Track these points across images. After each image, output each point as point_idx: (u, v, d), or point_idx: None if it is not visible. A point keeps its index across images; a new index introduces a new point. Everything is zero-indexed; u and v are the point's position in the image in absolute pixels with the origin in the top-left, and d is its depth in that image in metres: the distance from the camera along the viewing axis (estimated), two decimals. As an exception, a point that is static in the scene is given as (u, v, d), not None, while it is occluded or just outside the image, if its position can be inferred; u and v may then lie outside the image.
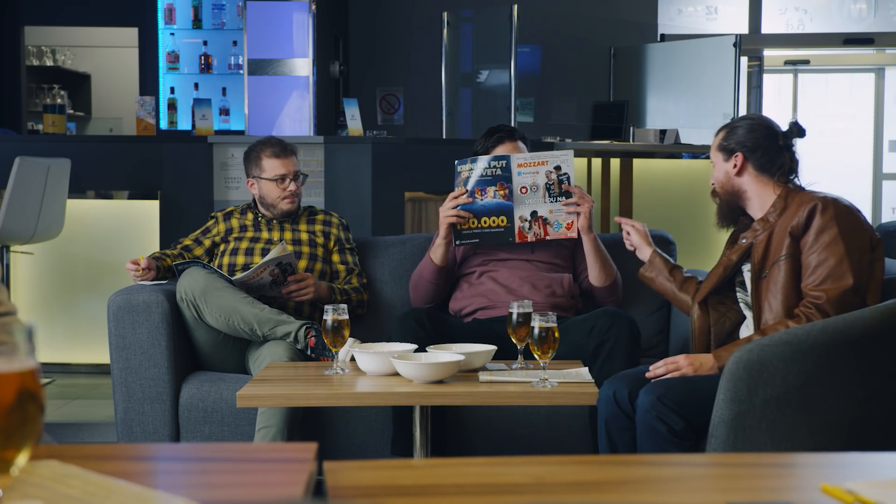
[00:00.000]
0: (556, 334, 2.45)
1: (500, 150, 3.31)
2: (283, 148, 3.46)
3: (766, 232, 2.64)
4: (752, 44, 7.91)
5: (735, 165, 2.73)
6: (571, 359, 2.86)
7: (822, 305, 2.49)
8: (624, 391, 2.58)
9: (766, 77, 8.07)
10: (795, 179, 2.73)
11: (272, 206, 3.47)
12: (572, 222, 3.22)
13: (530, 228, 3.23)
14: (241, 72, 6.36)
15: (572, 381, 2.51)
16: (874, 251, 2.54)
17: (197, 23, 7.02)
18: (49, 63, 9.03)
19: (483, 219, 3.23)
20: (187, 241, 3.49)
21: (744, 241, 2.72)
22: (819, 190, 2.69)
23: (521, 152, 3.34)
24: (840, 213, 2.54)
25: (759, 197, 2.71)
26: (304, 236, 3.47)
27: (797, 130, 2.77)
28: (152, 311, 3.09)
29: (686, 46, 7.10)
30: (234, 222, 3.52)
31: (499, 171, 3.21)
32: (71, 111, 8.84)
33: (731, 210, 2.78)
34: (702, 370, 2.60)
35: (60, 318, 5.11)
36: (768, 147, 2.71)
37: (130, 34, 7.80)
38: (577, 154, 5.30)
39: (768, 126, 2.77)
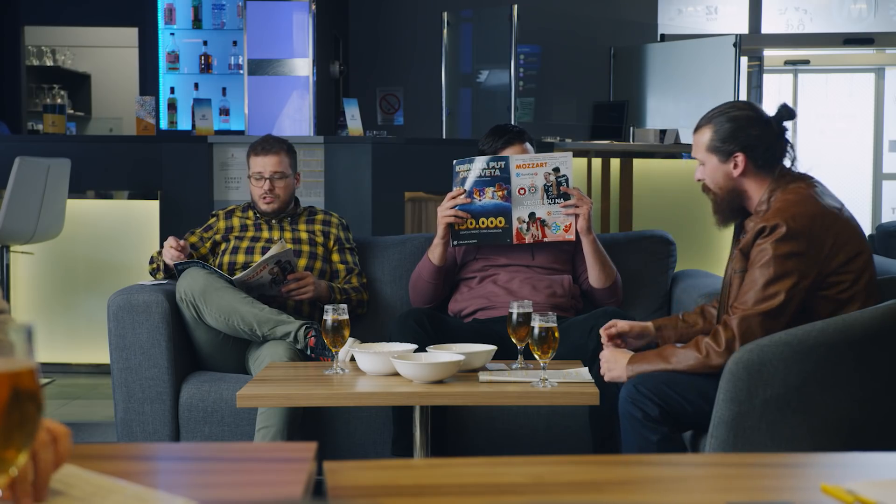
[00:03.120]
0: (556, 334, 2.44)
1: (508, 152, 3.31)
2: (264, 147, 3.45)
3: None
4: (752, 44, 7.91)
5: (736, 166, 2.59)
6: (571, 359, 2.86)
7: (729, 322, 2.45)
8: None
9: (766, 77, 8.07)
10: (791, 165, 2.61)
11: (256, 205, 3.48)
12: (570, 224, 3.22)
13: (528, 230, 3.23)
14: (241, 72, 6.35)
15: (572, 381, 2.50)
16: (854, 260, 2.46)
17: (197, 23, 7.01)
18: (49, 63, 9.02)
19: (481, 219, 3.23)
20: (193, 239, 3.49)
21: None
22: (806, 183, 2.55)
23: (529, 154, 3.33)
24: (789, 236, 2.43)
25: (760, 193, 2.60)
26: (304, 236, 3.47)
27: (787, 113, 2.62)
28: (152, 311, 3.09)
29: (686, 46, 7.10)
30: (236, 221, 3.52)
31: (497, 172, 3.21)
32: (71, 111, 8.84)
33: (734, 209, 2.66)
34: (611, 372, 2.62)
35: (60, 318, 5.11)
36: (767, 141, 2.59)
37: (130, 34, 7.80)
38: (577, 154, 5.30)
39: (758, 115, 2.63)
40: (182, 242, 3.27)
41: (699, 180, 2.70)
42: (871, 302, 2.48)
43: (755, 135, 2.59)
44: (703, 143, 2.66)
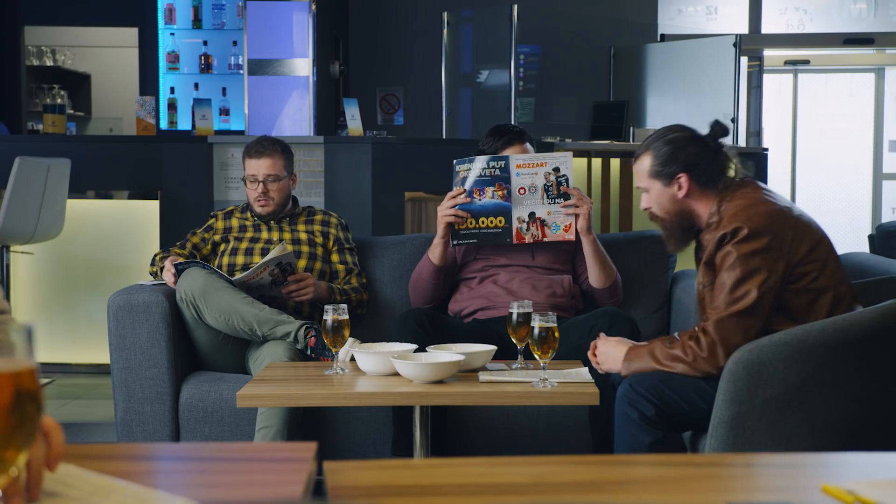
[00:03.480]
0: (556, 334, 2.44)
1: (508, 152, 3.31)
2: (257, 149, 3.43)
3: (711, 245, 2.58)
4: (752, 44, 7.91)
5: (680, 188, 2.62)
6: (571, 359, 2.86)
7: (707, 327, 2.46)
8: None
9: (766, 77, 8.07)
10: (735, 176, 2.63)
11: (251, 207, 3.48)
12: (570, 224, 3.22)
13: (528, 230, 3.22)
14: (241, 72, 6.36)
15: (572, 381, 2.50)
16: (817, 249, 2.48)
17: (197, 23, 7.02)
18: (49, 63, 9.02)
19: (481, 219, 3.23)
20: (195, 240, 3.49)
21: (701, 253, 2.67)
22: (751, 187, 2.57)
23: (529, 153, 3.34)
24: (750, 235, 2.45)
25: (708, 209, 2.62)
26: (303, 236, 3.47)
27: (720, 130, 2.66)
28: (152, 311, 3.09)
29: (686, 46, 7.11)
30: (235, 221, 3.52)
31: (497, 172, 3.21)
32: (71, 111, 8.84)
33: (685, 231, 2.69)
34: (605, 364, 2.63)
35: (60, 318, 5.11)
36: (706, 157, 2.62)
37: (130, 34, 7.80)
38: (577, 154, 5.29)
39: (694, 135, 2.66)
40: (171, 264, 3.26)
41: (646, 209, 2.72)
42: (844, 287, 2.52)
43: (694, 153, 2.62)
44: (644, 170, 2.68)
